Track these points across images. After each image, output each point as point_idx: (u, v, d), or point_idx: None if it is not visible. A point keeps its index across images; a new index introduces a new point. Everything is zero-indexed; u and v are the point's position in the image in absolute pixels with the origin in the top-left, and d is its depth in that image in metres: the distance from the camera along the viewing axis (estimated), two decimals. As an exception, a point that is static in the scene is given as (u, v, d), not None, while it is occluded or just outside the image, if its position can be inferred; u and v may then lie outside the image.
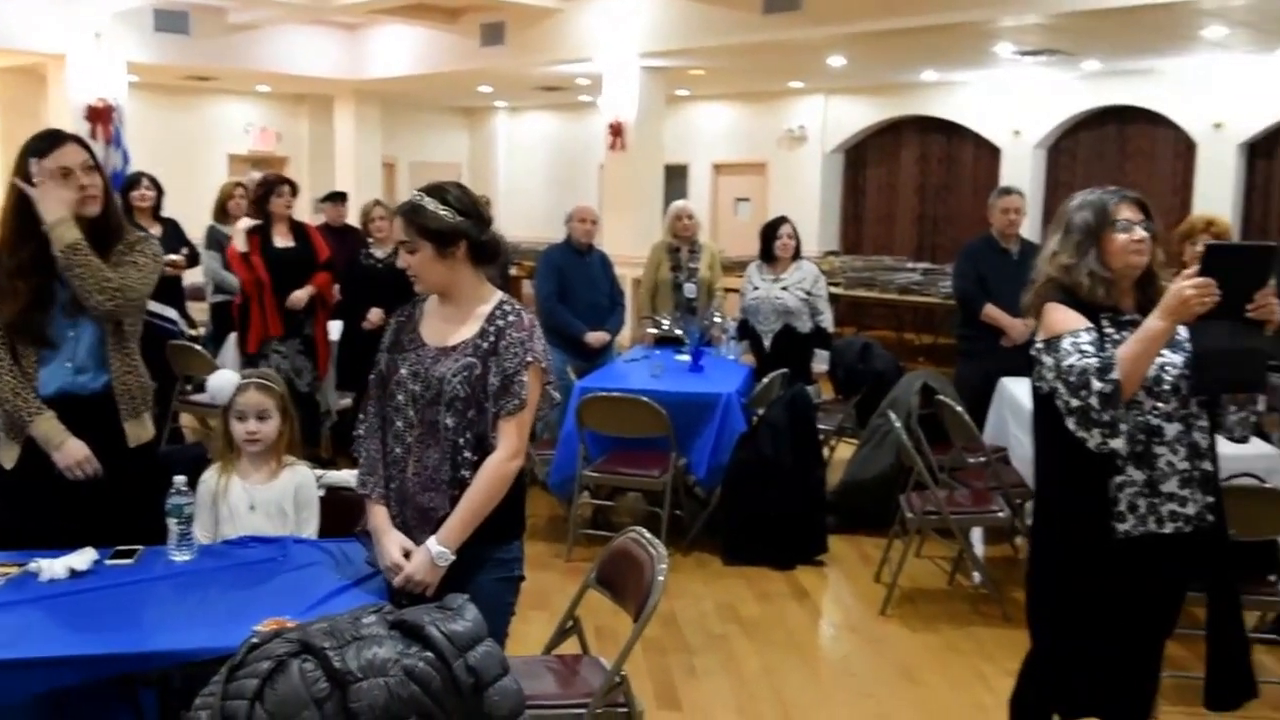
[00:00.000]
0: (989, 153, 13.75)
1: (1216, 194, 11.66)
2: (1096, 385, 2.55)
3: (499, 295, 2.75)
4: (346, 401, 6.89)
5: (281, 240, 6.14)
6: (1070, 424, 2.62)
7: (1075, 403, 2.59)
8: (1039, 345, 2.74)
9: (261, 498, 3.17)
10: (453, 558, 2.60)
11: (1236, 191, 11.88)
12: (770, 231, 6.44)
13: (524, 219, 16.41)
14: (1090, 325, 2.68)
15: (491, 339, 2.66)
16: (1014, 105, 13.16)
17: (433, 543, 2.61)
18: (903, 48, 10.85)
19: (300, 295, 6.11)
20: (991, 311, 5.98)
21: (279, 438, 3.28)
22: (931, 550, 5.29)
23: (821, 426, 6.11)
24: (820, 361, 6.41)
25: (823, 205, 14.83)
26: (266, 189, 6.11)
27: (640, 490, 5.86)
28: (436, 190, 2.69)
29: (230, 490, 3.17)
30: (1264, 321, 2.55)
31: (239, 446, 3.23)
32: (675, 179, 14.25)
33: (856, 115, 14.73)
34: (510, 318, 2.68)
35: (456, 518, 2.61)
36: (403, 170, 17.24)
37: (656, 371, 5.85)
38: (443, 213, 2.65)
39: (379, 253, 6.70)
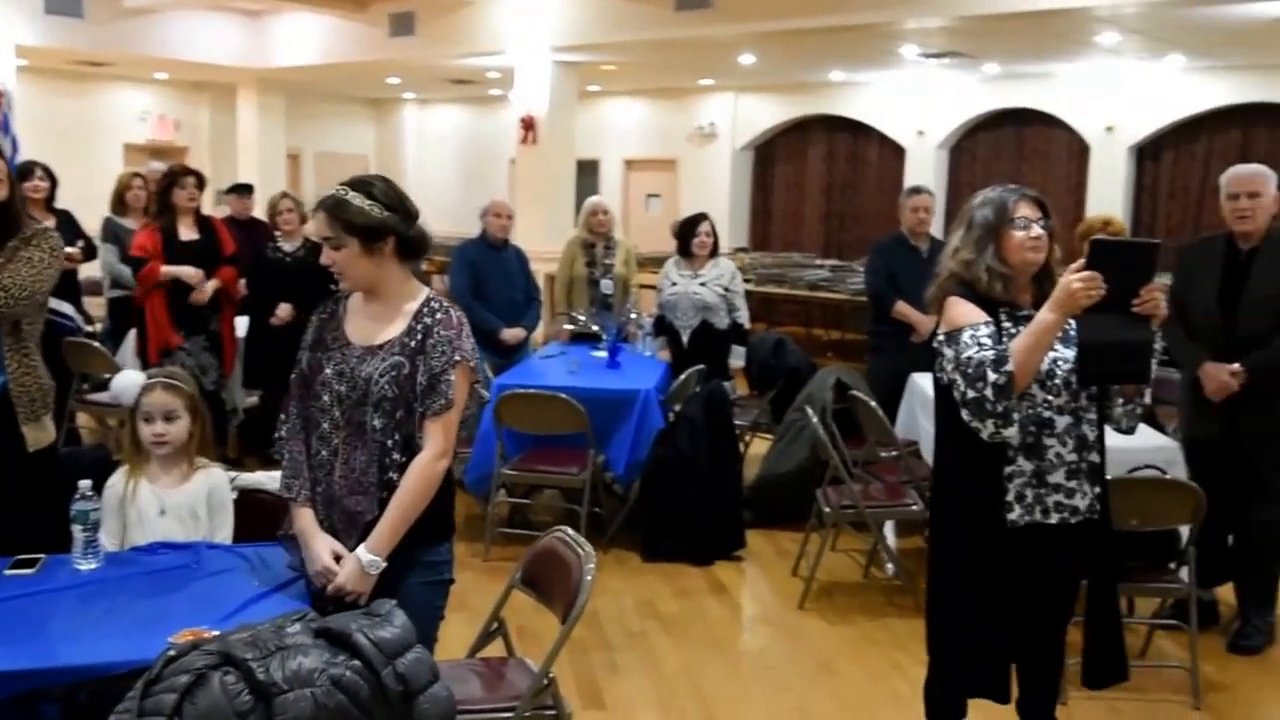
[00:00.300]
0: (893, 152, 14.00)
1: (1108, 195, 12.05)
2: (992, 377, 2.61)
3: (426, 291, 2.69)
4: (253, 400, 6.73)
5: (186, 233, 5.96)
6: (965, 414, 2.68)
7: (971, 394, 2.65)
8: (941, 338, 2.81)
9: (172, 502, 3.06)
10: (384, 565, 2.54)
11: (1127, 192, 12.30)
12: (689, 228, 6.45)
13: (433, 213, 16.11)
14: (989, 319, 2.75)
15: (419, 337, 2.59)
16: (918, 106, 13.41)
17: (363, 551, 2.53)
18: (811, 47, 10.98)
19: (186, 274, 5.93)
20: (902, 308, 6.08)
21: (189, 439, 3.17)
22: (846, 543, 5.35)
23: (737, 422, 6.14)
24: (736, 357, 6.46)
25: (732, 202, 14.95)
26: (170, 180, 5.91)
27: (558, 488, 5.83)
28: (361, 184, 2.62)
29: (139, 494, 3.05)
30: (1149, 316, 2.63)
31: (147, 449, 3.11)
32: (586, 174, 14.23)
33: (765, 113, 14.88)
34: (438, 315, 2.62)
35: (386, 523, 2.54)
36: (307, 162, 16.89)
37: (573, 368, 5.82)
38: (369, 207, 2.58)
39: (287, 246, 6.54)
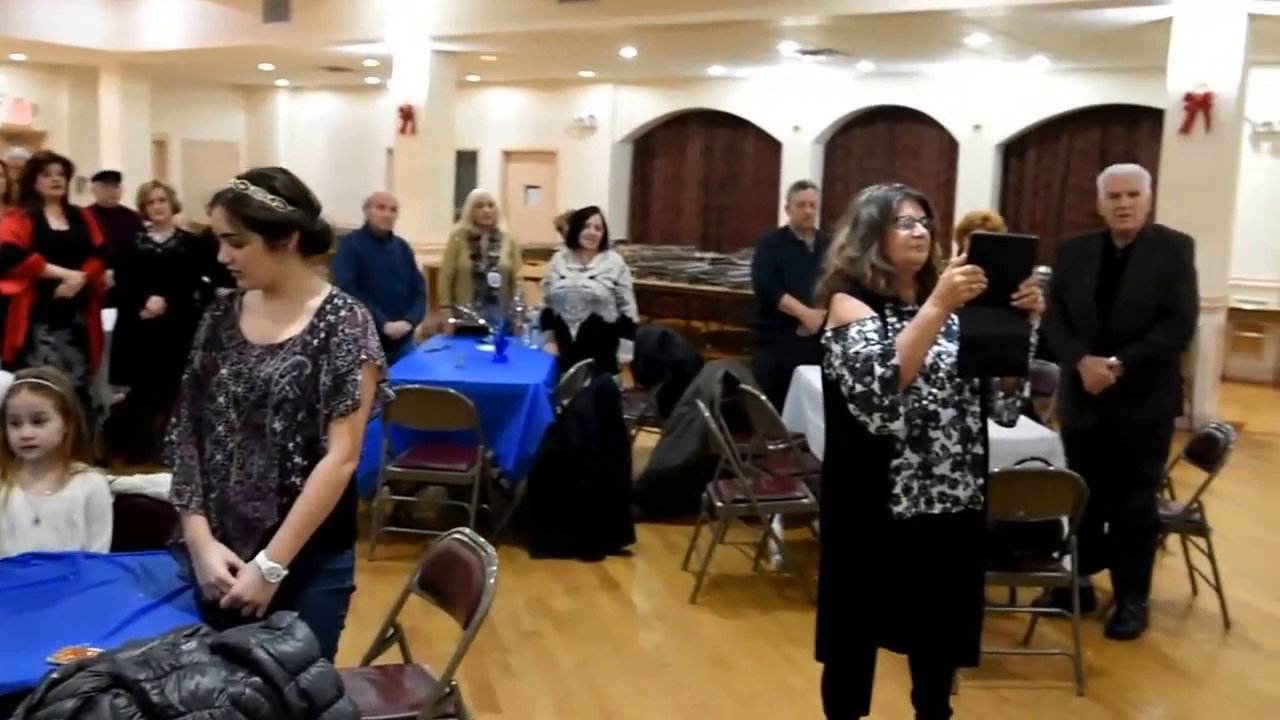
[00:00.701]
0: (770, 147, 14.18)
1: (976, 191, 12.44)
2: (878, 371, 2.66)
3: (328, 288, 2.58)
4: (120, 396, 6.45)
5: (55, 223, 5.69)
6: (853, 409, 2.72)
7: (859, 388, 2.69)
8: (828, 334, 2.85)
9: (48, 510, 2.89)
10: (285, 573, 2.43)
11: (993, 188, 12.71)
12: (579, 220, 6.39)
13: (306, 203, 15.82)
14: (875, 314, 2.79)
15: (322, 335, 2.49)
16: (794, 102, 13.61)
17: (263, 558, 2.42)
18: (691, 42, 11.04)
19: (73, 283, 5.67)
20: (788, 301, 6.15)
21: (63, 441, 3.01)
22: (735, 536, 5.37)
23: (624, 416, 6.12)
24: (625, 351, 6.43)
25: (611, 194, 14.93)
26: (34, 168, 5.64)
27: (446, 484, 5.71)
28: (261, 177, 2.50)
29: (11, 502, 2.88)
30: (1028, 310, 2.69)
31: (18, 454, 2.94)
32: (465, 165, 14.08)
33: (645, 106, 14.92)
34: (343, 312, 2.51)
35: (288, 530, 2.43)
36: (175, 149, 16.35)
37: (460, 362, 5.72)
38: (272, 202, 2.46)
39: (158, 237, 6.30)
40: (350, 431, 2.48)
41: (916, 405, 2.78)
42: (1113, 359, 4.23)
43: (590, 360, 5.99)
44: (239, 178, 2.51)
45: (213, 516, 2.51)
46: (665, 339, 7.24)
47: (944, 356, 2.80)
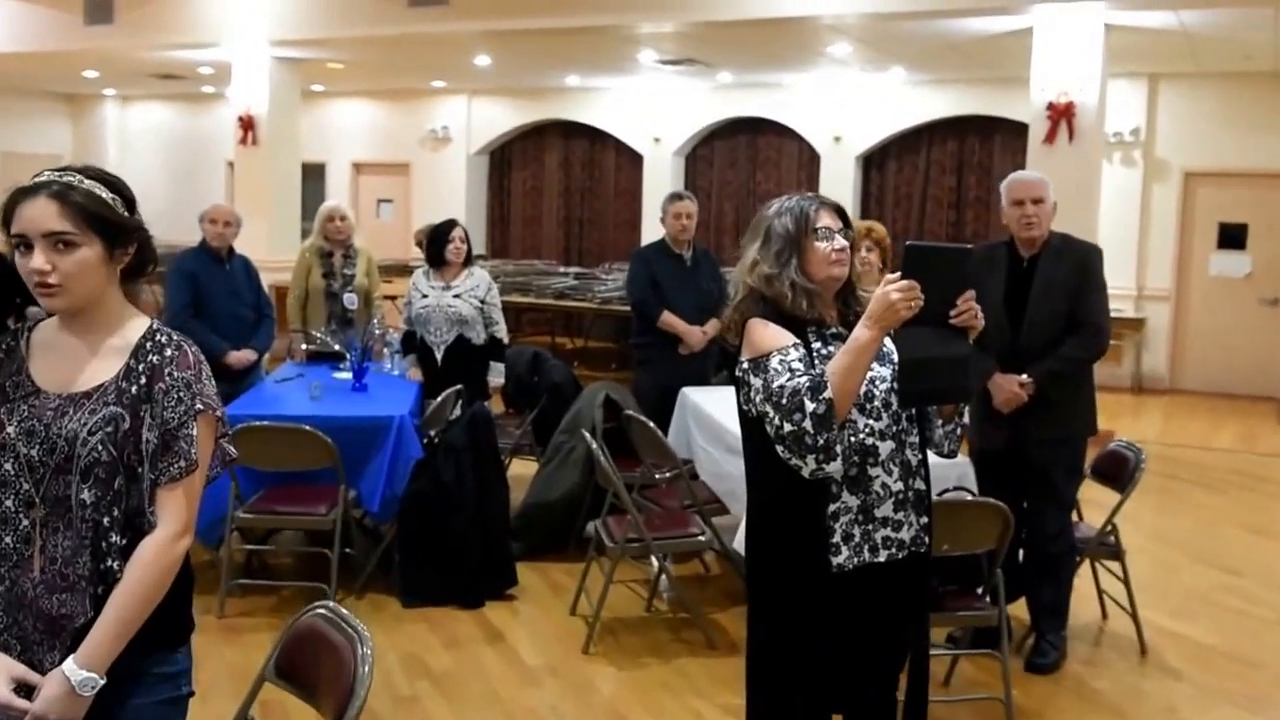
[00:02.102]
0: (631, 159, 13.98)
1: (838, 201, 12.39)
2: (810, 406, 2.30)
3: (147, 320, 2.05)
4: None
5: None
6: (781, 450, 2.37)
7: (788, 427, 2.33)
8: (745, 365, 2.48)
9: None
10: (101, 682, 1.90)
11: (855, 200, 12.73)
12: (441, 235, 5.92)
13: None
14: (798, 341, 2.45)
15: (142, 381, 1.97)
16: (654, 113, 13.45)
17: (72, 666, 1.88)
18: (548, 50, 10.72)
19: None
20: (668, 318, 5.84)
21: None
22: (623, 574, 4.96)
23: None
24: (495, 374, 5.98)
25: (468, 208, 14.48)
26: None
27: (304, 530, 5.17)
28: (88, 171, 1.97)
29: None
30: (967, 328, 2.39)
31: None
32: (313, 178, 13.46)
33: (501, 117, 14.55)
34: (169, 351, 1.99)
35: (105, 628, 1.90)
36: (-8, 162, 15.22)
37: (315, 393, 5.18)
38: (111, 200, 1.95)
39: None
40: (186, 499, 1.98)
41: (854, 441, 2.44)
42: (1024, 376, 4.02)
43: (459, 386, 5.52)
44: (51, 170, 1.96)
45: (2, 615, 1.96)
46: (538, 360, 6.82)
47: (877, 382, 2.48)
